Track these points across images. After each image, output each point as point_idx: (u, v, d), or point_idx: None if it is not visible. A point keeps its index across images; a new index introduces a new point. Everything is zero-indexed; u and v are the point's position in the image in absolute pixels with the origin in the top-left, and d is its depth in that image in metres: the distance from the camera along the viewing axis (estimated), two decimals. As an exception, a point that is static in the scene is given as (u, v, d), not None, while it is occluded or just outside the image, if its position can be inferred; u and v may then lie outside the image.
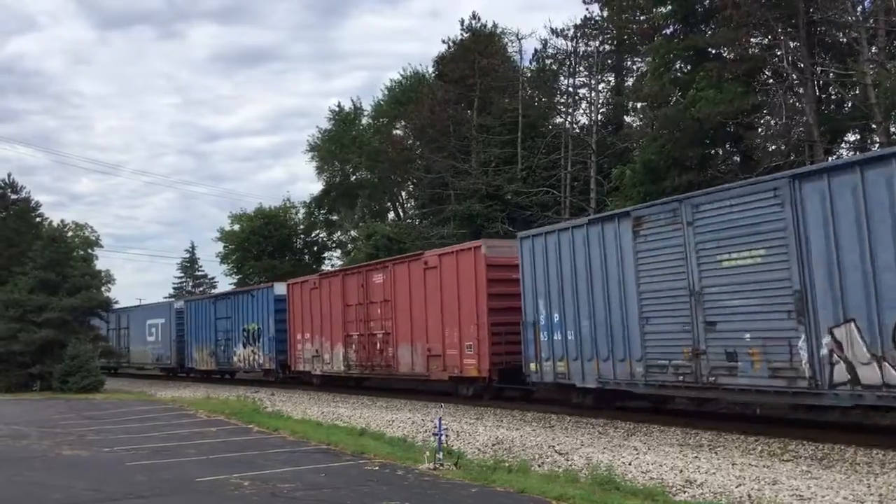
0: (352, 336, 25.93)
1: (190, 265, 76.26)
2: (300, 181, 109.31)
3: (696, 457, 12.18)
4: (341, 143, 51.28)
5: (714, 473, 10.86)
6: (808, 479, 10.28)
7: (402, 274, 23.64)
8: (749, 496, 9.57)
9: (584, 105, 36.93)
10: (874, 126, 22.41)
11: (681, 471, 11.16)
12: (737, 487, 10.01)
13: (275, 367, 31.13)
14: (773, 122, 25.13)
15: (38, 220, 49.33)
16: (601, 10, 34.52)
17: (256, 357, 32.41)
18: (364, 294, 25.28)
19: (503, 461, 12.46)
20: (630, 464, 11.87)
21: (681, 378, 14.61)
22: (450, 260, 21.75)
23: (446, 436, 12.61)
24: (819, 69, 24.04)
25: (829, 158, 22.56)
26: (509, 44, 41.31)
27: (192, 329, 38.05)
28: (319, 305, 27.85)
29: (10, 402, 27.73)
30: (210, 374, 37.78)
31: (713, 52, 26.08)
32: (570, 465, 12.19)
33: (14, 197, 50.54)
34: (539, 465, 12.42)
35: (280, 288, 31.27)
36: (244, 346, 33.30)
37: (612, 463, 11.82)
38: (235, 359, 34.02)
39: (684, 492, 10.13)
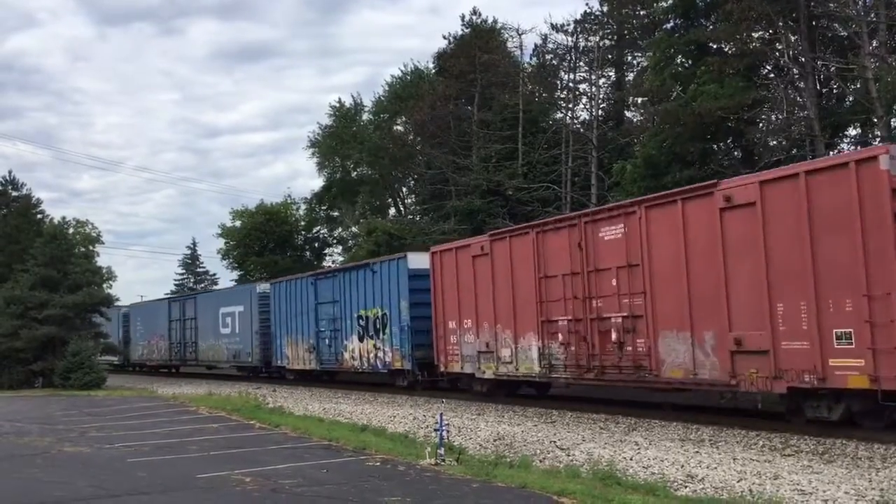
0: (556, 322, 17.90)
1: (191, 262, 76.28)
2: (301, 177, 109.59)
3: (697, 452, 12.19)
4: (342, 139, 51.31)
5: (715, 468, 10.86)
6: (809, 473, 10.28)
7: (665, 221, 15.37)
8: (750, 491, 9.57)
9: (584, 100, 36.92)
10: (875, 120, 22.38)
11: (682, 466, 11.16)
12: (738, 482, 10.01)
13: (410, 368, 23.31)
14: (774, 117, 25.10)
15: (39, 217, 49.32)
16: (601, 4, 34.49)
17: (380, 353, 24.67)
18: (584, 258, 17.12)
19: (504, 457, 12.47)
20: (631, 459, 11.87)
21: None
22: (786, 189, 13.19)
23: (448, 432, 12.61)
24: (820, 63, 24.00)
25: (830, 153, 22.54)
26: (510, 39, 41.34)
27: (283, 318, 30.58)
28: (491, 279, 19.82)
29: (11, 399, 27.76)
30: (307, 375, 30.17)
31: (714, 46, 26.03)
32: (572, 461, 12.19)
33: (15, 194, 50.56)
34: (540, 461, 12.43)
35: (418, 259, 23.43)
36: (360, 340, 25.73)
37: (614, 458, 11.82)
38: (347, 355, 26.53)
39: (685, 486, 10.13)
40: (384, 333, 24.44)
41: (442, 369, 22.01)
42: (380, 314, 24.66)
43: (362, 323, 25.66)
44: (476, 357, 20.49)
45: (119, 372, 45.57)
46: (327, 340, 27.65)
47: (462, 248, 21.30)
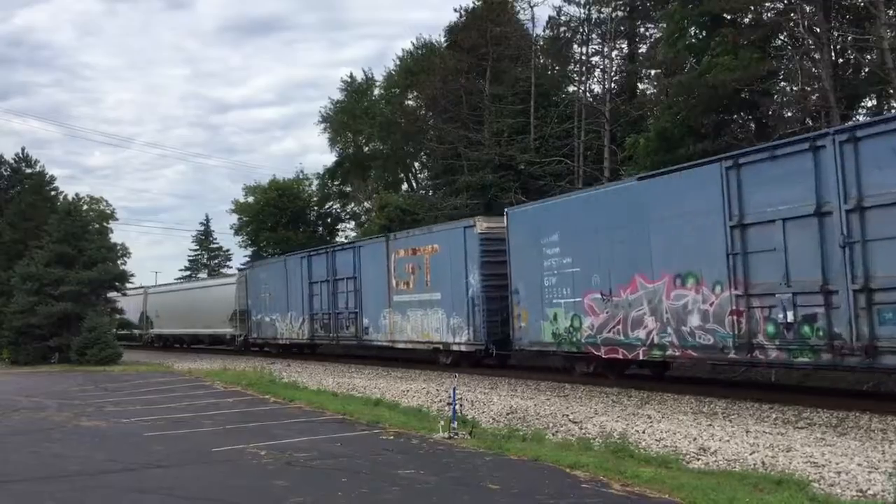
0: None
1: (205, 238, 76.45)
2: (311, 153, 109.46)
3: (710, 424, 12.20)
4: (353, 114, 51.17)
5: (728, 441, 10.88)
6: (822, 446, 10.28)
7: None
8: (763, 463, 9.59)
9: (597, 73, 36.63)
10: (892, 91, 22.14)
11: (695, 438, 11.18)
12: (751, 455, 10.03)
13: None
14: (788, 89, 24.86)
15: (53, 193, 49.45)
16: (614, -25, 34.08)
17: None
18: None
19: (517, 430, 12.52)
20: (644, 432, 11.90)
21: None
22: None
23: (461, 405, 12.67)
24: (835, 34, 23.69)
25: (845, 124, 22.32)
26: (521, 11, 40.96)
27: None
28: None
29: (29, 375, 28.06)
30: None
31: (728, 17, 25.73)
32: (584, 434, 12.24)
33: (28, 171, 50.65)
34: (553, 434, 12.48)
35: None
36: None
37: (626, 431, 11.86)
38: None
39: (698, 459, 10.16)
40: None
41: None
42: None
43: None
44: None
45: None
46: None
47: None
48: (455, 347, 22.42)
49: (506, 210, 20.57)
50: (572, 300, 17.79)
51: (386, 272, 25.21)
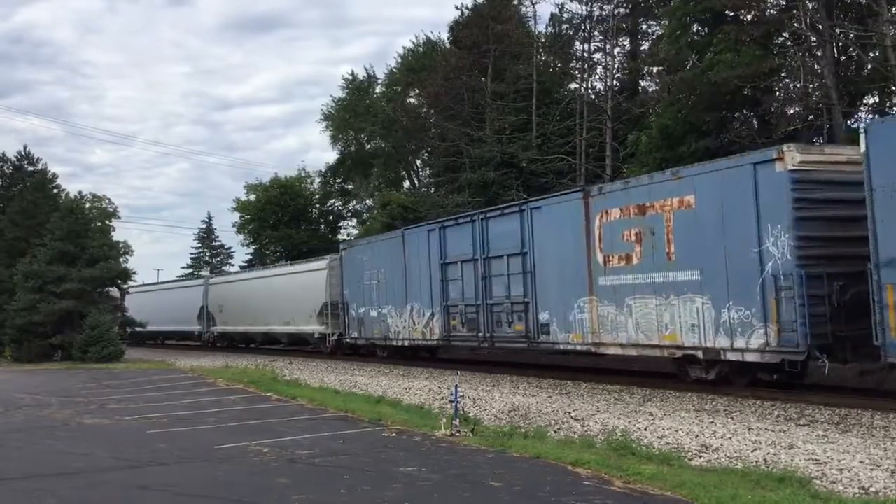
0: None
1: (207, 235, 76.53)
2: (313, 150, 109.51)
3: (711, 422, 12.20)
4: (355, 111, 51.22)
5: (730, 438, 10.87)
6: (824, 443, 10.28)
7: None
8: (765, 460, 9.59)
9: (599, 70, 36.64)
10: (894, 88, 22.11)
11: (697, 436, 11.18)
12: (753, 452, 10.03)
13: None
14: (791, 86, 24.83)
15: (55, 191, 49.47)
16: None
17: None
18: None
19: (519, 427, 12.53)
20: (646, 429, 11.90)
21: None
22: None
23: (462, 403, 12.68)
24: (838, 31, 23.66)
25: (848, 121, 22.31)
26: (523, 9, 40.96)
27: None
28: None
29: (31, 373, 28.09)
30: None
31: (730, 14, 25.71)
32: (586, 431, 12.24)
33: (31, 169, 50.66)
34: (555, 432, 12.48)
35: None
36: None
37: (628, 428, 11.85)
38: None
39: (700, 457, 10.16)
40: None
41: None
42: None
43: None
44: None
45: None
46: None
47: None
48: (732, 356, 14.20)
49: (862, 127, 11.98)
50: None
51: (584, 243, 17.33)
